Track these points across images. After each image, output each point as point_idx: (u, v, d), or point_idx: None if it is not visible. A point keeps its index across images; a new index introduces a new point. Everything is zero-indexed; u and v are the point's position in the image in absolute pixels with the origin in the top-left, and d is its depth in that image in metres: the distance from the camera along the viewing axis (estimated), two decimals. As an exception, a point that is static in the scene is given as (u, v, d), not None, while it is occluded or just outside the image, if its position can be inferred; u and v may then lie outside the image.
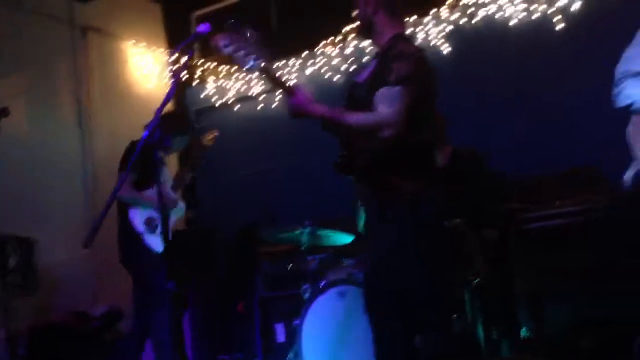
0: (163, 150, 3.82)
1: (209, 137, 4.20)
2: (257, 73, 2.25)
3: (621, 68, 2.39)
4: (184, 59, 6.00)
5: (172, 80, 2.70)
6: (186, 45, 2.59)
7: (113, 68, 5.65)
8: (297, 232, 3.76)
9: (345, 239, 3.83)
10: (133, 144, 3.84)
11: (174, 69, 5.99)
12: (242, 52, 2.28)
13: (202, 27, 2.43)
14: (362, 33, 2.61)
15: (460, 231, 3.18)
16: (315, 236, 3.78)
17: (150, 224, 3.85)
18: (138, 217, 3.84)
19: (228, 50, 2.31)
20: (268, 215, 5.13)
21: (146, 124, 3.70)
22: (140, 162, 3.58)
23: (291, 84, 2.44)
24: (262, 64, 2.28)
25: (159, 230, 3.78)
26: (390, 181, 2.34)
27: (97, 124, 5.35)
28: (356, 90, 2.49)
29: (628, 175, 2.38)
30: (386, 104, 2.29)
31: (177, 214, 4.12)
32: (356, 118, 2.36)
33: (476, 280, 3.12)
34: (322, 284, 3.54)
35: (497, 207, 3.59)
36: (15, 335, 4.09)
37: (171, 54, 2.58)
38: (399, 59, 2.34)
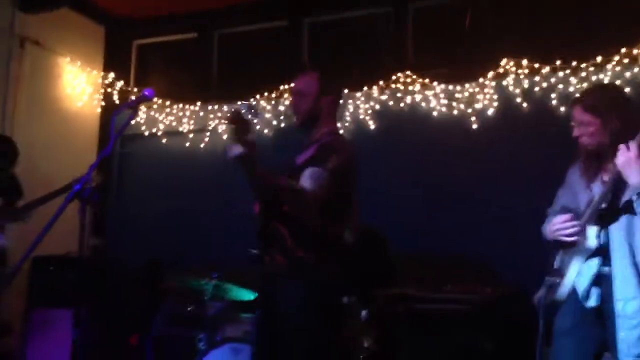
0: None
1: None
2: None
3: (550, 208, 2.75)
4: (119, 84, 6.06)
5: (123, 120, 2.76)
6: (129, 107, 2.71)
7: (44, 81, 5.60)
8: (203, 282, 3.87)
9: (248, 295, 3.97)
10: None
11: (107, 91, 6.03)
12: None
13: (148, 92, 2.60)
14: (304, 125, 2.73)
15: (353, 308, 3.40)
16: (220, 288, 3.90)
17: None
18: None
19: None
20: (176, 253, 5.18)
21: (76, 178, 3.81)
22: None
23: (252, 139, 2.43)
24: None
25: None
26: (296, 252, 2.51)
27: (18, 134, 5.25)
28: (293, 171, 2.62)
29: (538, 295, 2.60)
30: (311, 182, 2.46)
31: None
32: (284, 181, 2.50)
33: (361, 357, 3.34)
34: (219, 338, 3.65)
35: (390, 286, 3.85)
36: None
37: (115, 112, 2.65)
38: (334, 151, 2.56)
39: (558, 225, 2.54)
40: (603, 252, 2.48)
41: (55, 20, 5.54)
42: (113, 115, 2.75)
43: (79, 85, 5.91)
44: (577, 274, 2.50)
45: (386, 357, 3.52)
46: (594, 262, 2.49)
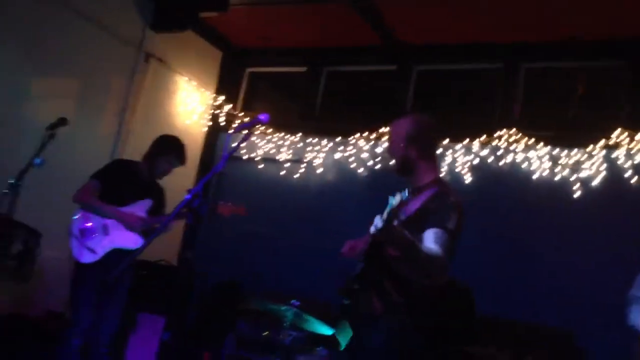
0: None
1: (231, 209, 4.24)
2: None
3: (632, 291, 2.64)
4: (228, 107, 6.35)
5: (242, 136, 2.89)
6: (243, 129, 2.84)
7: (162, 97, 5.98)
8: (283, 308, 3.92)
9: (325, 330, 3.98)
10: (118, 160, 4.14)
11: (215, 112, 6.32)
12: None
13: (264, 117, 2.73)
14: (401, 171, 2.64)
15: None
16: (299, 317, 3.94)
17: (82, 233, 3.83)
18: (77, 220, 3.86)
19: None
20: (257, 276, 5.29)
21: (189, 188, 3.98)
22: (115, 176, 3.92)
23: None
24: None
25: (87, 242, 3.79)
26: (394, 297, 2.46)
27: (131, 142, 5.60)
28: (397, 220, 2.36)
29: None
30: (438, 246, 2.36)
31: (129, 245, 3.89)
32: (419, 246, 2.35)
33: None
34: (293, 367, 3.69)
35: (471, 344, 3.75)
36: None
37: (231, 132, 2.81)
38: (454, 209, 2.48)
39: None
40: None
41: (180, 42, 5.94)
42: (228, 136, 2.89)
43: (192, 103, 6.26)
44: None
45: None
46: None
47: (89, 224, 3.86)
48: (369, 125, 5.67)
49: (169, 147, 4.12)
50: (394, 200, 2.17)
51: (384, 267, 2.48)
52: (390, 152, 2.69)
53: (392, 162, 2.68)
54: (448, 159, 5.24)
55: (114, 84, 5.54)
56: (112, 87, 5.53)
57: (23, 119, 4.74)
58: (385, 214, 2.20)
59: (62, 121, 3.51)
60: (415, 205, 2.55)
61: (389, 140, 2.71)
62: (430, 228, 2.42)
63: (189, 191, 2.68)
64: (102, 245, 3.81)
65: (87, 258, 3.78)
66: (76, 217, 3.88)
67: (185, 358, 4.91)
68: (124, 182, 3.97)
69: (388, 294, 2.48)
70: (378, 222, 2.20)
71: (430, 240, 2.40)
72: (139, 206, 3.98)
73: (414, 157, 2.61)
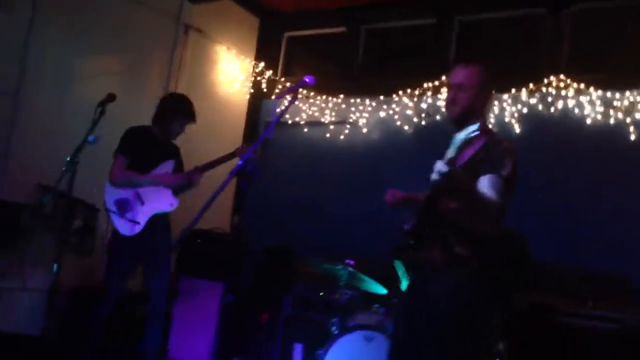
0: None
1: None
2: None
3: None
4: (268, 73, 6.35)
5: (289, 100, 2.90)
6: (289, 92, 2.83)
7: (203, 68, 6.03)
8: (339, 267, 3.97)
9: (380, 289, 4.03)
10: (132, 129, 4.08)
11: (257, 79, 6.34)
12: None
13: (309, 79, 2.74)
14: (461, 121, 2.54)
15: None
16: (354, 276, 3.99)
17: (120, 206, 3.91)
18: (110, 196, 3.94)
19: None
20: (307, 239, 5.35)
21: (239, 148, 4.02)
22: (136, 145, 3.97)
23: None
24: None
25: (128, 215, 3.88)
26: (454, 247, 2.49)
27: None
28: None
29: None
30: (494, 192, 2.38)
31: (160, 207, 4.01)
32: (475, 189, 2.39)
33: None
34: (351, 324, 3.74)
35: (529, 293, 3.73)
36: (58, 290, 4.39)
37: (277, 97, 2.82)
38: (507, 155, 2.48)
39: None
40: None
41: (216, 11, 5.96)
42: (274, 101, 2.89)
43: (232, 72, 6.29)
44: None
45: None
46: None
47: (123, 197, 3.94)
48: (412, 81, 5.58)
49: (176, 111, 4.11)
50: (450, 149, 2.18)
51: (442, 221, 2.48)
52: (454, 101, 2.61)
53: (451, 111, 2.62)
54: (496, 109, 5.13)
55: (156, 58, 5.61)
56: (155, 61, 5.61)
57: (74, 97, 4.87)
58: (445, 159, 2.22)
59: (111, 97, 3.58)
60: (467, 154, 2.54)
61: (453, 88, 2.63)
62: (484, 174, 2.42)
63: (241, 154, 2.70)
64: (143, 214, 3.91)
65: (132, 230, 3.87)
66: (107, 193, 3.94)
67: (244, 320, 5.05)
68: (146, 149, 4.03)
69: (451, 246, 2.49)
70: (441, 166, 2.21)
71: (485, 186, 2.41)
72: (164, 168, 4.08)
73: (479, 107, 2.61)
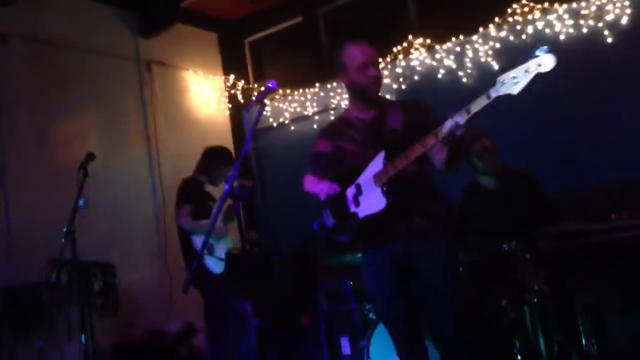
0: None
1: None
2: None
3: None
4: (241, 83, 6.31)
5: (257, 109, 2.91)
6: (257, 102, 2.82)
7: (176, 98, 5.99)
8: (360, 255, 3.93)
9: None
10: (185, 181, 4.51)
11: (232, 92, 6.30)
12: None
13: (272, 83, 2.74)
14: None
15: (516, 252, 3.31)
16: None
17: (208, 248, 4.32)
18: (198, 240, 4.32)
19: None
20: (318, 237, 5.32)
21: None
22: (195, 196, 4.38)
23: None
24: None
25: (215, 253, 4.35)
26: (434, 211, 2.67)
27: (164, 152, 5.67)
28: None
29: None
30: None
31: (228, 244, 4.51)
32: None
33: (534, 299, 3.24)
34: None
35: (552, 225, 3.67)
36: (98, 353, 4.41)
37: (246, 110, 2.83)
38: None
39: None
40: None
41: (172, 39, 5.89)
42: (244, 113, 2.89)
43: (206, 93, 6.25)
44: None
45: (560, 296, 3.39)
46: None
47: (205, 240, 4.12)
48: (380, 49, 5.46)
49: (220, 161, 4.49)
50: None
51: (413, 187, 2.63)
52: (380, 78, 2.88)
53: (379, 88, 2.87)
54: (469, 52, 5.05)
55: (128, 102, 5.56)
56: (127, 106, 5.56)
57: (56, 164, 4.81)
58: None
59: (90, 156, 3.58)
60: (396, 120, 2.70)
61: (375, 65, 2.85)
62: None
63: (226, 180, 2.70)
64: (220, 252, 4.40)
65: (221, 267, 4.35)
66: (193, 238, 4.32)
67: (284, 331, 5.06)
68: (202, 198, 4.46)
69: (427, 211, 2.64)
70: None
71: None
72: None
73: None
